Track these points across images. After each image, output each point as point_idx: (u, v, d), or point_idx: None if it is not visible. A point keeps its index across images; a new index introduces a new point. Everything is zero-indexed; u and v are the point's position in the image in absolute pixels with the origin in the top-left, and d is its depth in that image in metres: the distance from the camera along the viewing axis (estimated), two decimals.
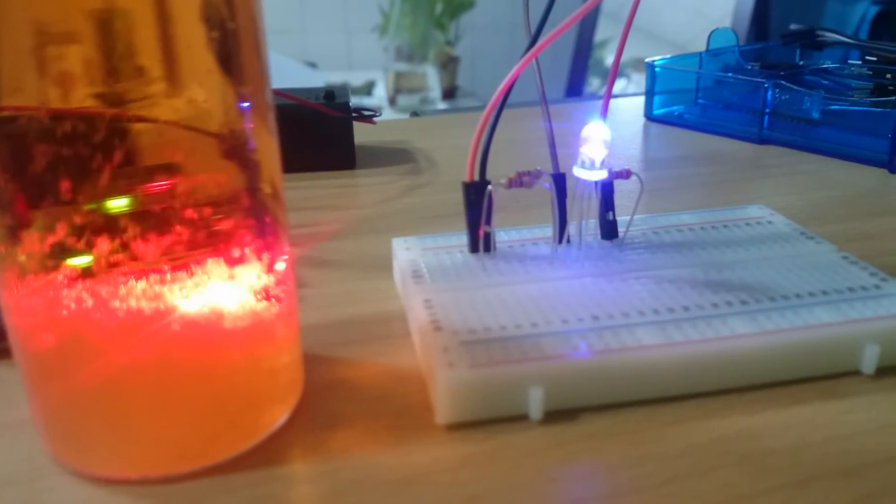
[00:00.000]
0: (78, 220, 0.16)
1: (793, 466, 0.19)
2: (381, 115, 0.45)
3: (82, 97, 0.16)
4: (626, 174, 0.26)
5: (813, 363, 0.22)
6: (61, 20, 0.15)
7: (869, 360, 0.22)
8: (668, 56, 0.54)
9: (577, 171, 0.26)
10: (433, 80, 2.00)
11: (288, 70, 1.83)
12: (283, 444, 0.20)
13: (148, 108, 0.16)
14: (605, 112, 0.26)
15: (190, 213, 0.17)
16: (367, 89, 2.03)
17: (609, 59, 2.10)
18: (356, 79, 2.01)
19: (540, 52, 0.24)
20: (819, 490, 0.18)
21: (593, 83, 2.02)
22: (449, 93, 2.00)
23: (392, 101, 1.95)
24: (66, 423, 0.19)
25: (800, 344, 0.22)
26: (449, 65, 2.00)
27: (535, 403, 0.20)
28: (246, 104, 0.18)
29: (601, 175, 0.26)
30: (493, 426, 0.20)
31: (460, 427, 0.20)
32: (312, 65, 2.00)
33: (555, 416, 0.21)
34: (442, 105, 1.96)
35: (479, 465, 0.19)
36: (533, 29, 0.25)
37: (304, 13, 2.02)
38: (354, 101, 0.44)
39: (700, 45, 0.55)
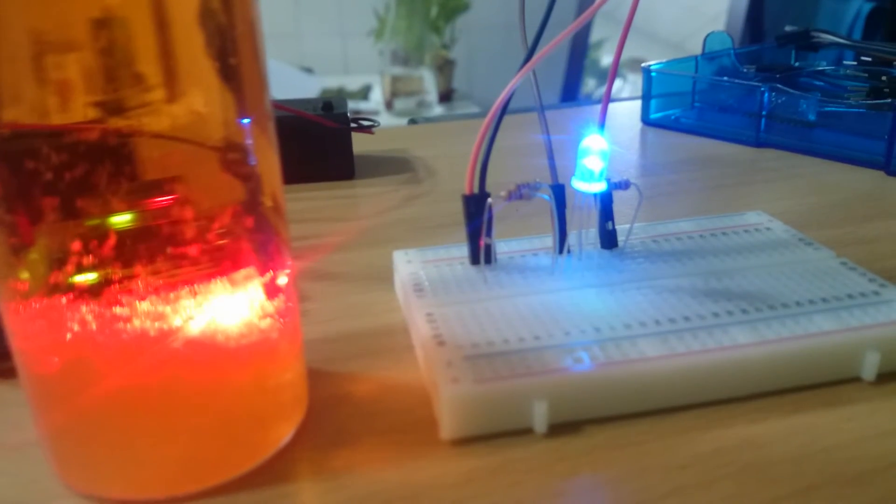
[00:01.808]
0: (79, 237, 0.16)
1: (796, 475, 0.19)
2: (379, 125, 0.45)
3: (81, 105, 0.15)
4: (625, 185, 0.26)
5: (814, 371, 0.22)
6: (60, 29, 0.15)
7: (869, 366, 0.22)
8: (665, 60, 0.54)
9: (576, 184, 0.26)
10: (430, 84, 2.00)
11: (284, 75, 1.83)
12: (288, 461, 0.20)
13: (147, 116, 0.16)
14: (602, 120, 0.26)
15: (192, 228, 0.17)
16: (364, 93, 2.03)
17: (605, 60, 2.10)
18: (352, 83, 2.01)
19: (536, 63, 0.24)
20: (822, 499, 0.18)
21: (589, 83, 2.02)
22: (445, 96, 2.00)
23: (389, 105, 1.95)
24: (72, 445, 0.19)
25: (800, 352, 0.22)
26: (445, 68, 2.00)
27: (540, 417, 0.20)
28: (246, 117, 0.18)
29: (600, 187, 0.26)
30: (498, 440, 0.21)
31: (465, 442, 0.20)
32: (308, 70, 2.00)
33: (559, 429, 0.21)
34: (439, 108, 1.96)
35: (485, 479, 0.19)
36: (529, 37, 0.25)
37: (299, 18, 2.02)
38: (351, 105, 0.44)
39: (695, 43, 0.55)
